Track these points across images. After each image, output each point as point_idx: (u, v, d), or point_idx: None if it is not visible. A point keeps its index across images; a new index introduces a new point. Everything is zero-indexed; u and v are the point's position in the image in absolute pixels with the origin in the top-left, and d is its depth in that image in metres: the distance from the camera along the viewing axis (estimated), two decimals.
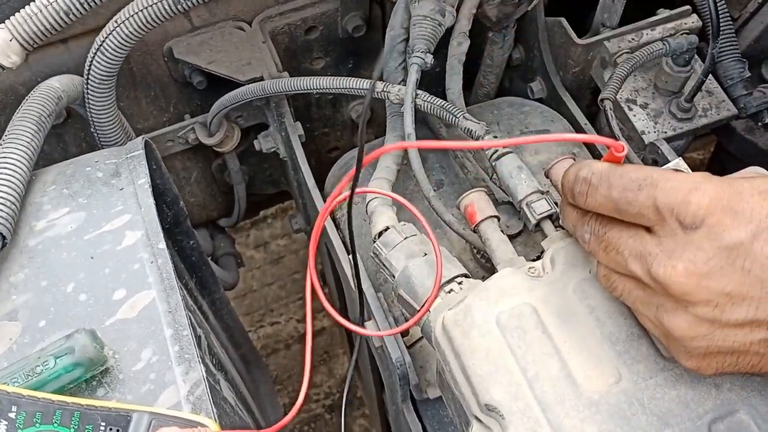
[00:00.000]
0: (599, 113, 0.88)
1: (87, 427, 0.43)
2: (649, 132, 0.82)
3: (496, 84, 1.00)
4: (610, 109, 0.75)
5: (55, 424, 0.42)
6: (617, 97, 0.84)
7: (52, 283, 0.57)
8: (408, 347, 0.69)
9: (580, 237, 0.49)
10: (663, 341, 0.47)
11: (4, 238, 0.57)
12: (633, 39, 0.84)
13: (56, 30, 0.63)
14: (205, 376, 0.53)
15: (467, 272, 0.59)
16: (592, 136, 0.47)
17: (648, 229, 0.45)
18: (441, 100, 0.71)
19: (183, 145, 0.92)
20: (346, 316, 1.05)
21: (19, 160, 0.60)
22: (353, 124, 1.08)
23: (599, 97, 0.77)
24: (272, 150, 0.91)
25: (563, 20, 0.85)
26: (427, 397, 0.68)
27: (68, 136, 0.90)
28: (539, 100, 0.93)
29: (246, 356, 1.23)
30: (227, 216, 1.19)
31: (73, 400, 0.44)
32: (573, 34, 0.85)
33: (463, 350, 0.50)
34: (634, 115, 0.84)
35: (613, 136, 0.74)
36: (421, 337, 0.70)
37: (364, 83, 0.73)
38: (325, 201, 0.85)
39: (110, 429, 0.44)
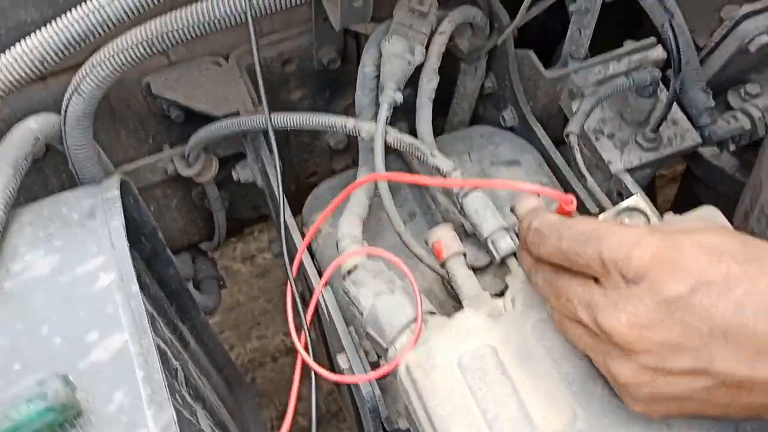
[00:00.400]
0: None
1: None
2: (615, 162, 0.85)
3: (469, 112, 1.02)
4: (575, 143, 0.77)
5: None
6: (585, 126, 0.86)
7: (27, 326, 0.58)
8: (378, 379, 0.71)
9: (534, 282, 0.51)
10: (612, 384, 0.49)
11: None
12: (599, 71, 0.86)
13: (31, 78, 0.64)
14: (175, 419, 0.54)
15: (433, 309, 0.61)
16: (542, 189, 0.49)
17: (596, 280, 0.47)
18: (410, 138, 0.73)
19: (162, 176, 0.94)
20: (325, 341, 1.07)
21: None
22: (331, 150, 1.09)
23: (564, 131, 0.79)
24: (249, 180, 0.93)
25: (531, 53, 0.88)
26: (398, 428, 0.70)
27: (48, 170, 0.91)
28: (511, 128, 0.95)
29: (228, 378, 1.24)
30: (209, 239, 1.20)
31: None
32: (541, 67, 0.87)
33: (426, 391, 0.52)
34: (601, 145, 0.86)
35: (577, 169, 0.76)
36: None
37: (337, 121, 0.75)
38: (300, 230, 0.87)
39: None
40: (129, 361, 0.57)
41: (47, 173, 0.92)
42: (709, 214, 0.55)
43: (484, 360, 0.52)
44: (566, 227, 0.47)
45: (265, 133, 0.85)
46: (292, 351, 2.20)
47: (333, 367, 1.30)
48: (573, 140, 0.77)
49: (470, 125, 1.02)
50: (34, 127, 0.70)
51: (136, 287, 0.60)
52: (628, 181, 0.74)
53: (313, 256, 0.84)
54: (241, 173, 0.93)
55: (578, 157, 0.76)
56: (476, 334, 0.54)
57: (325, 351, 1.05)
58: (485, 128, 0.93)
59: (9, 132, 0.70)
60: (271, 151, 0.88)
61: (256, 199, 1.13)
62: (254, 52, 0.65)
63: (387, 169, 0.73)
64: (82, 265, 0.62)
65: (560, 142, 0.90)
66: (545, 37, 1.03)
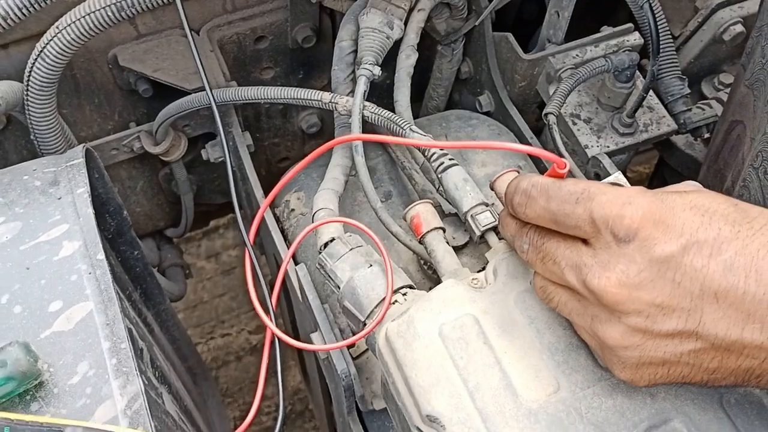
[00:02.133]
0: (545, 128, 0.90)
1: None
2: (592, 146, 0.84)
3: (445, 97, 1.01)
4: (554, 123, 0.76)
5: None
6: (562, 111, 0.86)
7: None
8: (354, 359, 0.69)
9: (518, 247, 0.50)
10: (598, 351, 0.48)
11: None
12: (577, 55, 0.86)
13: None
14: (143, 389, 0.52)
15: (412, 283, 0.59)
16: (538, 150, 0.48)
17: (584, 241, 0.46)
18: (388, 112, 0.71)
19: (128, 154, 0.91)
20: (295, 327, 1.05)
21: None
22: (303, 134, 1.07)
23: (543, 112, 0.78)
24: (219, 159, 0.90)
25: (510, 35, 0.87)
26: (372, 409, 0.68)
27: (8, 143, 0.87)
28: (487, 114, 0.94)
29: (193, 369, 1.21)
30: (175, 226, 1.17)
31: (3, 415, 0.43)
32: (519, 50, 0.86)
33: (406, 361, 0.50)
34: (578, 130, 0.86)
35: (556, 149, 0.75)
36: (367, 349, 0.70)
37: (312, 94, 0.73)
38: (273, 211, 0.85)
39: None
40: (94, 332, 0.54)
41: (7, 148, 0.88)
42: (692, 185, 0.55)
43: (465, 330, 0.51)
44: (556, 187, 0.46)
45: (236, 107, 0.83)
46: (257, 350, 2.17)
47: (303, 358, 1.28)
48: (552, 120, 0.77)
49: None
50: None
51: (102, 256, 0.58)
52: (606, 162, 0.74)
53: (285, 238, 0.82)
54: (211, 153, 0.90)
55: (557, 137, 0.76)
56: (457, 305, 0.52)
57: (294, 336, 1.02)
58: (462, 112, 0.92)
59: None
60: (241, 126, 0.86)
61: (225, 183, 1.10)
62: None
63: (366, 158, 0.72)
64: (44, 233, 0.59)
65: (535, 130, 0.90)
66: (522, 22, 1.03)
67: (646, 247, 0.42)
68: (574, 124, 0.86)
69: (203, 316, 2.07)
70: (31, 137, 0.74)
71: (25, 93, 0.69)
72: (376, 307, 0.58)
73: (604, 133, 0.86)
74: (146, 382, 0.72)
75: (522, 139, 0.88)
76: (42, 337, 0.53)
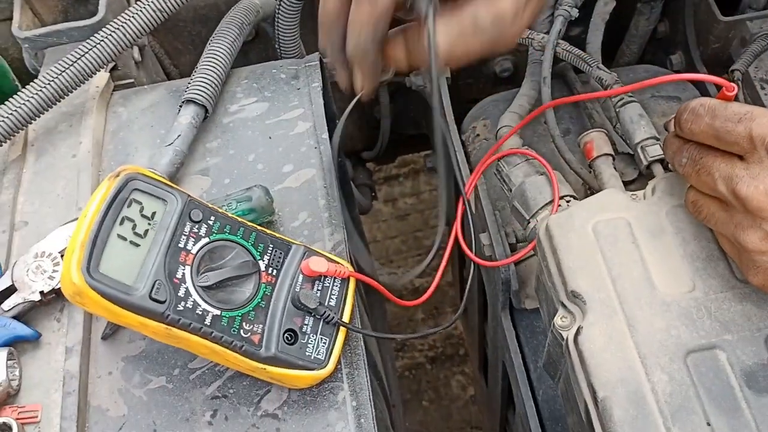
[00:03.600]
0: None
1: (260, 244, 0.56)
2: None
3: (638, 54, 1.06)
4: (739, 80, 0.80)
5: (238, 236, 0.55)
6: (753, 75, 0.88)
7: (237, 152, 0.72)
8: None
9: (677, 162, 0.57)
10: (736, 259, 0.54)
11: (206, 110, 0.72)
12: None
13: None
14: (346, 239, 0.65)
15: (576, 195, 0.68)
16: (706, 76, 0.54)
17: (740, 158, 0.52)
18: (579, 50, 0.79)
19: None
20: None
21: (223, 54, 0.75)
22: (496, 78, 1.17)
23: (731, 68, 0.82)
24: (421, 87, 1.03)
25: None
26: (524, 308, 0.78)
27: (252, 54, 1.05)
28: (677, 73, 0.98)
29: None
30: (370, 150, 1.32)
31: (252, 224, 0.58)
32: (717, 11, 0.89)
33: (561, 247, 0.59)
34: (766, 95, 0.88)
35: None
36: (525, 258, 0.80)
37: None
38: (460, 137, 0.96)
39: (276, 250, 0.57)
40: (314, 191, 0.68)
41: (251, 57, 1.06)
42: None
43: (617, 229, 0.59)
44: (722, 107, 0.52)
45: None
46: (419, 291, 2.32)
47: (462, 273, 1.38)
48: (736, 76, 0.80)
49: None
50: (256, 1, 0.84)
51: (326, 135, 0.72)
52: None
53: (468, 159, 0.93)
54: (414, 80, 1.03)
55: (740, 94, 0.79)
56: (614, 209, 0.60)
57: None
58: (651, 66, 0.96)
59: (236, 4, 0.83)
60: None
61: (418, 115, 1.23)
62: None
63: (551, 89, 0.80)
64: (285, 113, 0.74)
65: None
66: None
67: None
68: (763, 88, 0.88)
69: (374, 254, 2.23)
70: (275, 45, 0.90)
71: (278, 5, 0.85)
72: (540, 209, 0.67)
73: None
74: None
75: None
76: (275, 189, 0.69)
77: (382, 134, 1.20)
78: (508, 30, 0.49)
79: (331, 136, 0.93)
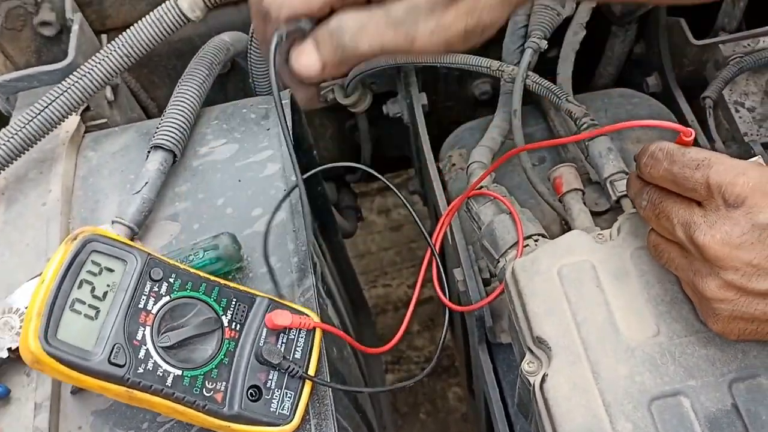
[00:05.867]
0: None
1: (223, 299, 0.56)
2: (751, 134, 0.86)
3: (615, 75, 1.06)
4: (710, 107, 0.80)
5: (200, 292, 0.55)
6: (728, 98, 0.88)
7: (206, 197, 0.72)
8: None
9: (638, 204, 0.57)
10: (697, 305, 0.54)
11: (175, 155, 0.72)
12: (748, 44, 0.88)
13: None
14: (315, 283, 0.65)
15: (545, 233, 0.68)
16: (660, 122, 0.54)
17: (698, 204, 0.52)
18: (548, 82, 0.79)
19: (322, 103, 1.06)
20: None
21: (192, 97, 0.75)
22: (476, 101, 1.17)
23: (702, 95, 0.82)
24: (397, 115, 1.03)
25: (682, 21, 0.90)
26: (500, 342, 0.78)
27: (230, 85, 1.06)
28: (653, 95, 0.98)
29: (355, 300, 1.36)
30: (352, 173, 1.32)
31: (214, 278, 0.58)
32: (690, 35, 0.89)
33: (526, 291, 0.59)
34: (740, 117, 0.88)
35: (708, 132, 0.79)
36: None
37: (482, 61, 0.83)
38: (437, 165, 0.96)
39: (239, 304, 0.57)
40: (283, 235, 0.68)
41: (228, 89, 1.06)
42: None
43: (582, 273, 0.59)
44: (680, 153, 0.52)
45: (417, 70, 0.94)
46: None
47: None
48: (708, 104, 0.80)
49: None
50: (227, 39, 0.84)
51: (294, 178, 0.72)
52: (758, 149, 0.77)
53: (445, 189, 0.93)
54: (391, 108, 1.03)
55: (711, 121, 0.79)
56: (579, 252, 0.60)
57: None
58: (626, 90, 0.96)
59: (207, 43, 0.84)
60: (419, 88, 0.97)
61: (400, 139, 1.23)
62: None
63: (523, 116, 0.80)
64: (254, 155, 0.74)
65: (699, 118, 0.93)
66: (698, 9, 1.04)
67: (751, 213, 0.48)
68: (737, 111, 0.88)
69: (369, 266, 2.23)
70: (249, 80, 0.90)
71: (250, 42, 0.85)
72: (509, 248, 0.67)
73: (767, 124, 0.87)
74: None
75: (684, 122, 0.92)
76: (245, 234, 0.69)
77: (363, 160, 1.20)
78: (423, 24, 0.46)
79: (302, 169, 0.94)
